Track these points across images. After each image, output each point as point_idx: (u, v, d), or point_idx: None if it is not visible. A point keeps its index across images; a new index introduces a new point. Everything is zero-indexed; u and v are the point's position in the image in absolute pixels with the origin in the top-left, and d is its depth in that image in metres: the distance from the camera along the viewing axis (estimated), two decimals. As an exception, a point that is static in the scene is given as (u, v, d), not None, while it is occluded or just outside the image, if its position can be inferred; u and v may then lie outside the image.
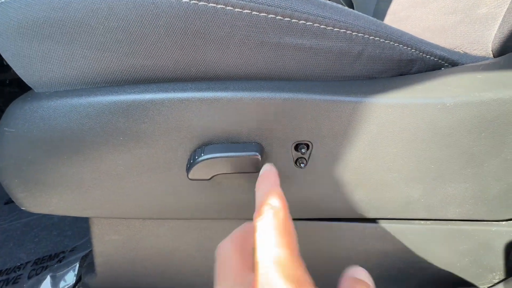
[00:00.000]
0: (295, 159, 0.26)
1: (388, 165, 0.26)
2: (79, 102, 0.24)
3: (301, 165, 0.26)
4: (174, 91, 0.23)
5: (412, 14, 0.54)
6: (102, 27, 0.21)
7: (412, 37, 0.28)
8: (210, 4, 0.20)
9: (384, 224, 0.33)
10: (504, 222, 0.34)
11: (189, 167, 0.24)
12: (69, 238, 0.53)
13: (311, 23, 0.22)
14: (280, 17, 0.21)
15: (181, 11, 0.20)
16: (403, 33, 0.27)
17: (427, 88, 0.24)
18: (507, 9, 0.33)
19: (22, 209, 0.64)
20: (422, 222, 0.33)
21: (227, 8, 0.21)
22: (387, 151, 0.25)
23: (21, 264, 0.48)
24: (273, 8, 0.21)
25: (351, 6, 0.83)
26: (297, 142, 0.25)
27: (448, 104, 0.23)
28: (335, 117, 0.24)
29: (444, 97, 0.23)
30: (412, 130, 0.24)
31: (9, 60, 0.25)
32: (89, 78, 0.24)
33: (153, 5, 0.20)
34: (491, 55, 0.37)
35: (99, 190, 0.28)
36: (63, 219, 0.59)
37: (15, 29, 0.22)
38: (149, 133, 0.24)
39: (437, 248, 0.35)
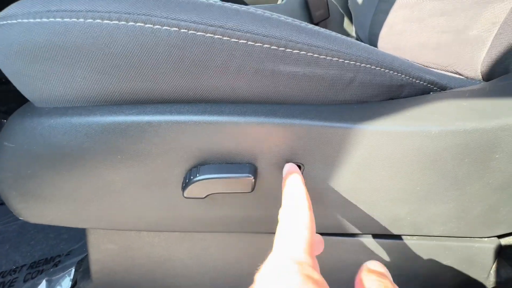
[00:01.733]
0: (287, 179, 0.27)
1: (376, 186, 0.27)
2: (78, 121, 0.24)
3: (293, 185, 0.27)
4: (170, 114, 0.24)
5: (407, 29, 0.55)
6: (102, 53, 0.22)
7: (402, 63, 0.29)
8: (208, 35, 0.21)
9: (372, 239, 0.35)
10: (486, 239, 0.35)
11: (184, 186, 0.25)
12: (65, 242, 0.54)
13: (304, 53, 0.23)
14: (275, 47, 0.22)
15: (179, 41, 0.21)
16: (394, 59, 0.28)
17: (414, 115, 0.26)
18: (495, 34, 0.34)
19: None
20: (409, 237, 0.35)
21: (224, 38, 0.21)
22: (375, 173, 0.27)
23: (17, 267, 0.49)
24: (268, 38, 0.22)
25: (350, 16, 0.84)
26: (289, 164, 0.26)
27: (433, 132, 0.24)
28: (326, 142, 0.25)
29: (429, 125, 0.24)
30: (399, 155, 0.26)
31: (10, 77, 0.26)
32: (88, 97, 0.25)
33: (152, 34, 0.21)
34: (480, 77, 0.38)
35: (96, 204, 0.29)
36: (59, 222, 0.59)
37: (17, 50, 0.23)
38: (146, 152, 0.25)
39: (423, 262, 0.36)
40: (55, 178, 0.27)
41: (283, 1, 0.85)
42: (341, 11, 0.85)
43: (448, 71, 0.45)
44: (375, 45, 0.68)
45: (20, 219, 0.61)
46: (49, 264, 0.49)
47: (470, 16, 0.39)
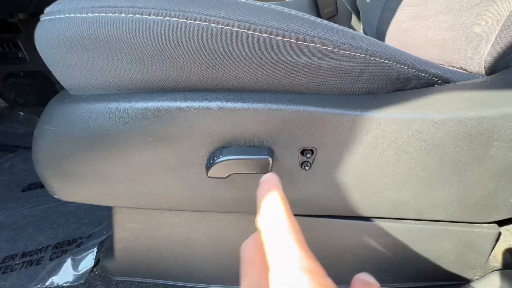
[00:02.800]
0: (300, 162, 0.30)
1: (383, 171, 0.30)
2: (115, 107, 0.27)
3: (306, 167, 0.30)
4: (198, 100, 0.26)
5: (414, 26, 0.57)
6: (140, 44, 0.24)
7: (409, 57, 0.31)
8: (234, 29, 0.24)
9: (377, 222, 0.37)
10: (485, 225, 0.37)
11: (208, 167, 0.28)
12: (85, 225, 0.57)
13: (320, 46, 0.26)
14: (293, 40, 0.25)
15: (209, 34, 0.24)
16: (402, 53, 0.30)
17: (419, 104, 0.28)
18: (499, 31, 0.36)
19: (38, 197, 0.68)
20: (412, 221, 0.37)
21: (249, 32, 0.24)
22: (382, 158, 0.29)
23: (42, 247, 0.52)
24: (287, 32, 0.24)
25: (357, 13, 0.85)
26: (303, 148, 0.29)
27: (436, 120, 0.27)
28: (337, 128, 0.27)
29: (433, 114, 0.27)
30: (404, 141, 0.28)
31: (51, 65, 0.29)
32: (123, 85, 0.28)
33: (186, 28, 0.23)
34: (484, 72, 0.40)
35: (126, 184, 0.32)
36: (79, 207, 0.63)
37: (62, 42, 0.25)
38: (175, 135, 0.28)
39: (425, 245, 0.39)
40: (90, 159, 0.30)
41: (292, -2, 0.87)
42: (349, 8, 0.87)
43: (452, 66, 0.47)
44: (383, 42, 0.69)
45: (41, 205, 0.65)
46: (72, 245, 0.52)
47: (475, 14, 0.41)
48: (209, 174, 0.28)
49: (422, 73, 0.31)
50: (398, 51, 0.30)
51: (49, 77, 0.97)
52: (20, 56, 0.93)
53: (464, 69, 0.44)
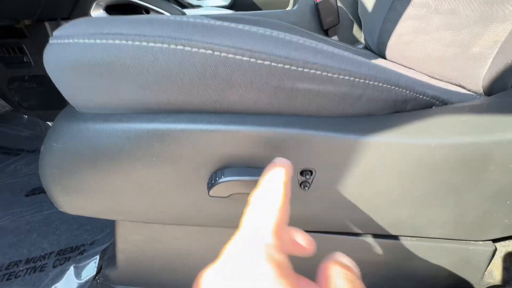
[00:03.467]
0: (300, 182, 0.30)
1: (380, 191, 0.31)
2: (120, 127, 0.28)
3: (305, 188, 0.30)
4: (201, 123, 0.27)
5: (414, 40, 0.57)
6: (146, 70, 0.25)
7: (408, 79, 0.32)
8: (237, 57, 0.24)
9: (375, 238, 0.38)
10: (480, 242, 0.38)
11: (210, 186, 0.29)
12: (88, 232, 0.58)
13: (320, 72, 0.26)
14: (294, 67, 0.26)
15: (212, 61, 0.24)
16: (400, 76, 0.31)
17: (416, 128, 0.29)
18: (496, 53, 0.37)
19: (42, 202, 0.69)
20: (409, 238, 0.38)
21: (251, 60, 0.25)
22: (379, 180, 0.30)
23: (46, 254, 0.53)
24: (288, 60, 0.25)
25: (359, 23, 0.86)
26: (303, 169, 0.29)
27: (432, 145, 0.27)
28: (336, 151, 0.28)
29: (429, 138, 0.27)
30: (402, 164, 0.29)
31: (59, 85, 0.30)
32: (129, 106, 0.28)
33: (190, 56, 0.24)
34: (482, 91, 0.40)
35: (130, 199, 0.33)
36: (82, 213, 0.64)
37: (70, 65, 0.26)
38: (178, 156, 0.29)
39: (421, 262, 0.39)
40: (96, 176, 0.31)
41: (295, 7, 0.87)
42: (351, 17, 0.87)
43: (452, 83, 0.47)
44: (383, 53, 0.70)
45: (44, 211, 0.65)
46: (75, 252, 0.53)
47: (474, 33, 0.42)
48: (210, 194, 0.29)
49: (420, 95, 0.32)
50: (396, 74, 0.31)
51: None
52: (25, 60, 0.95)
53: (463, 87, 0.45)
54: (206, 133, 0.27)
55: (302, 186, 0.30)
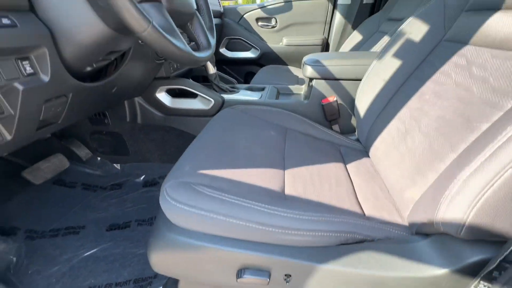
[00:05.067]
0: (284, 279, 0.57)
1: None
2: (210, 246, 0.56)
3: (287, 282, 0.57)
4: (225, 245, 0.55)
5: (387, 155, 0.81)
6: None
7: (350, 225, 0.57)
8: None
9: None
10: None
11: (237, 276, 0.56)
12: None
13: (303, 233, 0.53)
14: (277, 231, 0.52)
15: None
16: (347, 224, 0.57)
17: (353, 259, 0.54)
18: (415, 204, 0.61)
19: (118, 238, 1.02)
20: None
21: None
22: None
23: (126, 281, 0.83)
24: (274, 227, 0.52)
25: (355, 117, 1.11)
26: (286, 273, 0.56)
27: (361, 273, 0.53)
28: (304, 271, 0.54)
29: (360, 268, 0.53)
30: (347, 281, 0.54)
31: (167, 215, 0.59)
32: (215, 233, 0.57)
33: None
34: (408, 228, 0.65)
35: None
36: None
37: (183, 221, 0.55)
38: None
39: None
40: (183, 268, 0.59)
41: (306, 101, 1.14)
42: (350, 112, 1.13)
43: (384, 220, 0.71)
44: (368, 151, 0.92)
45: (120, 248, 0.96)
46: (145, 282, 0.82)
47: (409, 181, 0.66)
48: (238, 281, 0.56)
49: (357, 235, 0.58)
50: (345, 224, 0.57)
51: (123, 137, 1.32)
52: (105, 122, 1.29)
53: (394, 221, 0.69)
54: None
55: (285, 281, 0.57)
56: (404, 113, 0.78)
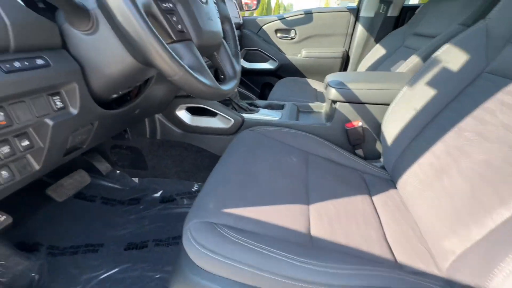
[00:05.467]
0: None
1: None
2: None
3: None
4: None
5: (421, 194, 0.77)
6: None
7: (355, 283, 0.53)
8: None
9: None
10: None
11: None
12: None
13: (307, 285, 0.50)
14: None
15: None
16: (353, 278, 0.53)
17: None
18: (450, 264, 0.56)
19: (135, 260, 1.00)
20: None
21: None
22: None
23: (144, 307, 0.83)
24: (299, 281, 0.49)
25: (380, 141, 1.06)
26: None
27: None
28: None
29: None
30: None
31: (191, 253, 0.57)
32: (242, 281, 0.55)
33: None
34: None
35: None
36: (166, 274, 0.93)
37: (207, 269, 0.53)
38: None
39: None
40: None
41: (328, 123, 1.11)
42: (375, 136, 1.08)
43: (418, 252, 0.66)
44: (396, 182, 0.87)
45: (137, 270, 0.96)
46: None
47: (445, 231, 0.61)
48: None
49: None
50: (351, 276, 0.53)
51: (142, 152, 1.33)
52: (126, 137, 1.31)
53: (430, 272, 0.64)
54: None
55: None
56: (439, 148, 0.73)
